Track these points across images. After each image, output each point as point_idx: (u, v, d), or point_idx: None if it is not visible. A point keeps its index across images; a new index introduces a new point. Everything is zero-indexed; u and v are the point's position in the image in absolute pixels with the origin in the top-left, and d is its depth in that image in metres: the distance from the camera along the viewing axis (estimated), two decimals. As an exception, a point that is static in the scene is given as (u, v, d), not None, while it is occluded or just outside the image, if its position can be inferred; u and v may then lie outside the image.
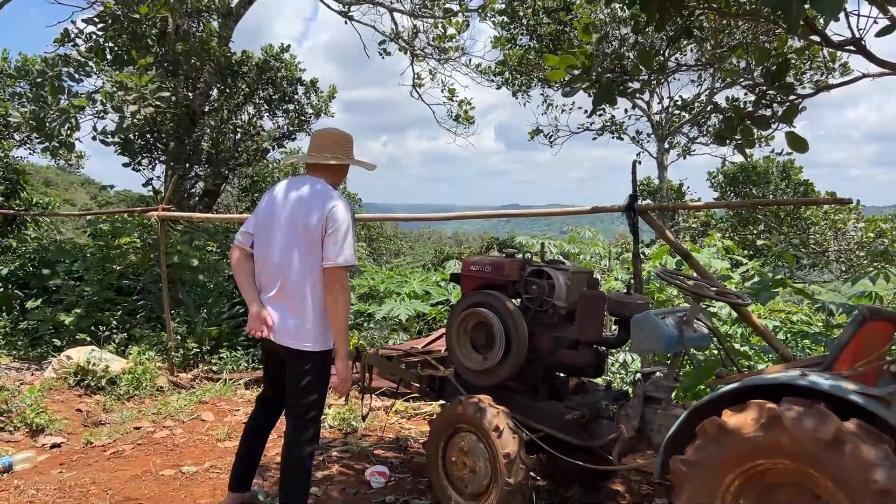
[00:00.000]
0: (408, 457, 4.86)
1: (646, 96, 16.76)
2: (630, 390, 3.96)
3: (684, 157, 18.00)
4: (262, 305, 3.42)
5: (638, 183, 5.37)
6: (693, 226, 16.26)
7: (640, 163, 19.55)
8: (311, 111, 20.51)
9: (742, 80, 5.26)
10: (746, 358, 5.71)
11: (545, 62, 5.27)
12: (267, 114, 13.02)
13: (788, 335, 6.40)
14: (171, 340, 7.40)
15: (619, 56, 4.90)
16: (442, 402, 4.44)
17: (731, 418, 2.86)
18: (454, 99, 13.73)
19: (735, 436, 2.81)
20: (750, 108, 4.66)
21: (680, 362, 3.72)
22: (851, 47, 4.40)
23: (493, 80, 16.03)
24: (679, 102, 16.94)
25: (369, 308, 8.01)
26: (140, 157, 10.71)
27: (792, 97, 4.71)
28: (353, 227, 3.41)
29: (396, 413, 5.83)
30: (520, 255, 4.24)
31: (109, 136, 9.82)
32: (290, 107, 19.50)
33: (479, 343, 4.06)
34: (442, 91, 13.69)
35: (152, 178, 11.21)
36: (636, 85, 5.07)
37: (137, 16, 7.89)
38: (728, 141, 4.85)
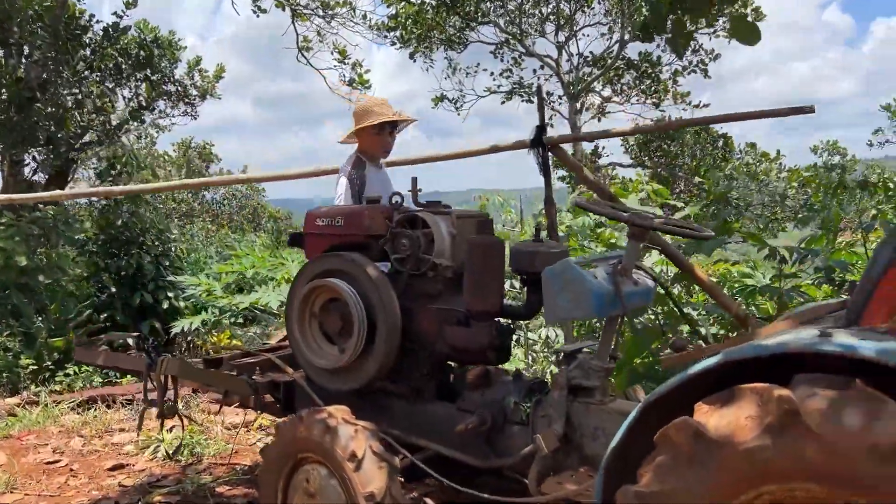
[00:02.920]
0: (262, 492, 3.56)
1: (554, 53, 15.79)
2: (549, 379, 2.80)
3: (598, 120, 17.13)
4: None
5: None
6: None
7: (552, 125, 18.58)
8: (195, 92, 18.68)
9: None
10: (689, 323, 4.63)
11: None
12: (123, 84, 11.30)
13: (734, 290, 5.40)
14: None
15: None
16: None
17: (711, 417, 1.71)
18: (346, 61, 12.32)
19: (725, 449, 1.66)
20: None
21: (617, 331, 2.56)
22: None
23: (386, 37, 14.70)
24: (589, 58, 16.04)
25: (234, 300, 6.61)
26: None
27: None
28: (347, 180, 3.56)
29: (260, 429, 4.51)
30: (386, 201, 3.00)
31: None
32: (172, 88, 17.61)
33: (334, 330, 2.80)
34: (332, 53, 12.27)
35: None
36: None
37: None
38: (656, 36, 3.72)
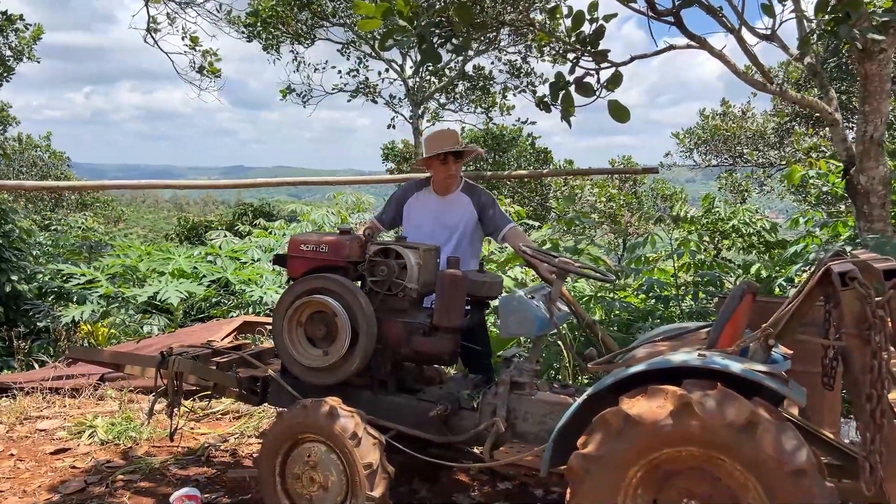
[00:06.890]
0: (215, 471, 4.10)
1: (399, 58, 16.69)
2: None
3: (433, 123, 18.32)
4: None
5: (389, 146, 5.04)
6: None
7: (394, 126, 19.72)
8: (9, 53, 17.33)
9: (553, 44, 5.14)
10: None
11: (356, 10, 4.66)
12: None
13: (578, 298, 6.63)
14: None
15: (445, 8, 4.49)
16: (267, 406, 3.79)
17: (634, 407, 2.67)
18: (197, 49, 12.28)
19: (643, 426, 2.62)
20: (576, 76, 4.54)
21: (543, 344, 3.51)
22: (670, 18, 4.49)
23: (243, 32, 14.65)
24: (431, 68, 17.06)
25: (126, 291, 6.74)
26: None
27: (606, 65, 4.70)
28: (390, 199, 4.34)
29: (183, 416, 4.94)
30: (356, 232, 3.70)
31: None
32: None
33: (318, 336, 3.47)
34: (183, 39, 12.17)
35: None
36: (457, 42, 4.68)
37: None
38: (552, 108, 4.71)
